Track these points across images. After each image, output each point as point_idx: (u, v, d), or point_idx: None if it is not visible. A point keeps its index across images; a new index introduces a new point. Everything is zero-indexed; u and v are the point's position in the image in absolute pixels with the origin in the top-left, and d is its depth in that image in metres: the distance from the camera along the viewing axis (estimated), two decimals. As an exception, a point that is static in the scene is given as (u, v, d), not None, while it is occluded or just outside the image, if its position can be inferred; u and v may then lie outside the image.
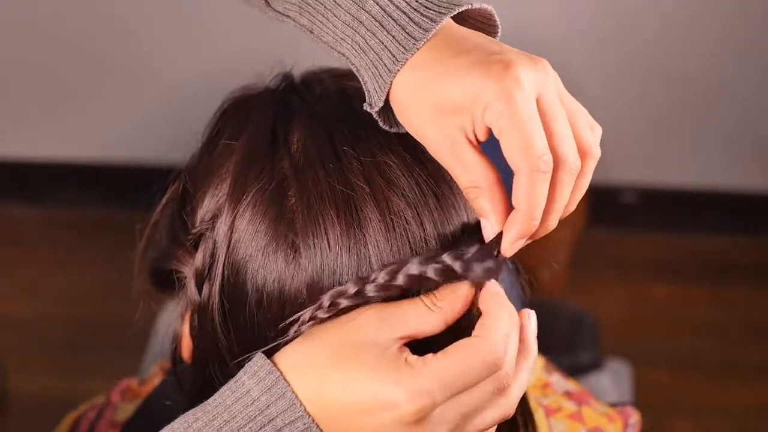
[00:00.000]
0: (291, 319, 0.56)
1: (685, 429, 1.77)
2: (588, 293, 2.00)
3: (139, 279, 0.68)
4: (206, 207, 0.62)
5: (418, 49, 0.54)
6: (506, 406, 0.54)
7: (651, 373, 1.82)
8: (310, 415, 0.52)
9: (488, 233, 0.55)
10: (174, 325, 0.68)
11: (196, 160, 0.65)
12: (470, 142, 0.54)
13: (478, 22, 0.60)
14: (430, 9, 0.56)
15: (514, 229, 0.54)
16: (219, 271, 0.60)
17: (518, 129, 0.51)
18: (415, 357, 0.52)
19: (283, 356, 0.54)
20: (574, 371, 1.28)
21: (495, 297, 0.55)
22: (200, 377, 0.64)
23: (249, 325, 0.59)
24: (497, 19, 0.59)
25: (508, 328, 0.54)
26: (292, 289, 0.57)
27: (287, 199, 0.58)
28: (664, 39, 2.04)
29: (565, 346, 1.40)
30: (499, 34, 0.60)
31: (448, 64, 0.54)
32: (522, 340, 0.55)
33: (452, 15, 0.55)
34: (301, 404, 0.52)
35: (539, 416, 0.79)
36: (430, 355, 0.52)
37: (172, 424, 0.55)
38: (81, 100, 2.21)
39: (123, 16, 2.08)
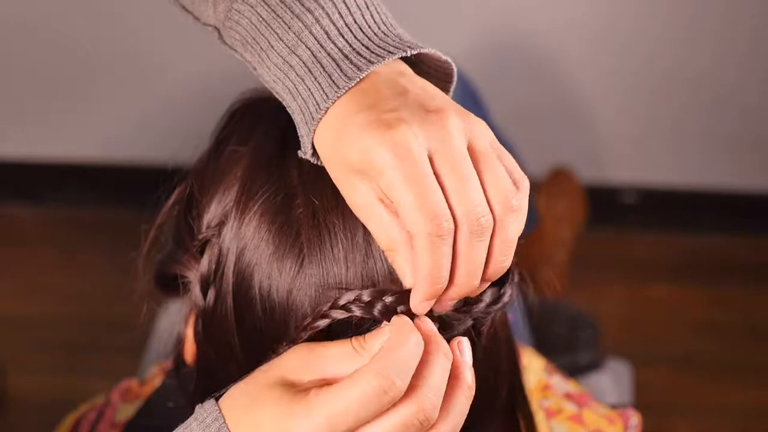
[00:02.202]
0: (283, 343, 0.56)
1: (685, 429, 1.77)
2: (588, 293, 2.00)
3: (142, 280, 0.68)
4: (213, 213, 0.61)
5: (339, 96, 0.53)
6: None
7: (651, 373, 1.82)
8: None
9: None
10: (178, 328, 0.68)
11: (203, 163, 0.65)
12: (383, 201, 0.52)
13: (433, 69, 0.58)
14: (361, 56, 0.54)
15: (419, 291, 0.52)
16: (225, 277, 0.60)
17: (405, 193, 0.49)
18: (315, 391, 0.50)
19: (227, 396, 0.53)
20: (574, 371, 1.28)
21: (400, 326, 0.52)
22: (203, 381, 0.64)
23: (253, 332, 0.59)
24: (452, 65, 0.58)
25: (406, 355, 0.51)
26: (297, 298, 0.57)
27: (294, 209, 0.58)
28: (665, 39, 2.04)
29: (565, 346, 1.40)
30: (455, 79, 0.59)
31: (351, 122, 0.52)
32: (453, 372, 0.53)
33: (382, 63, 0.54)
34: None
35: (540, 418, 0.79)
36: (324, 389, 0.50)
37: None
38: (81, 100, 2.20)
39: (123, 15, 2.08)
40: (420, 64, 0.58)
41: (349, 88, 0.53)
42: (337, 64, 0.54)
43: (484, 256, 0.52)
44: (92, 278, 2.02)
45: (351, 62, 0.54)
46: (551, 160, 2.11)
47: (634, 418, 0.83)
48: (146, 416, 0.75)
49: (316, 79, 0.54)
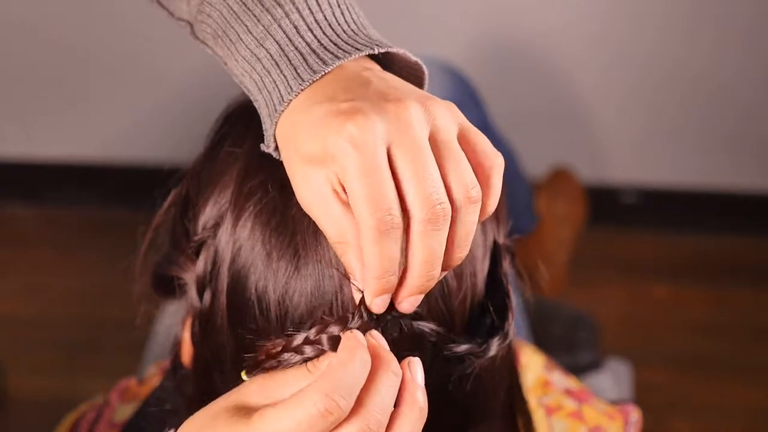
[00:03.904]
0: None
1: (685, 429, 1.77)
2: (588, 293, 2.00)
3: (139, 281, 0.68)
4: (208, 214, 0.61)
5: (302, 89, 0.53)
6: None
7: (651, 373, 1.82)
8: None
9: (358, 292, 0.53)
10: (175, 330, 0.68)
11: (199, 165, 0.65)
12: (337, 194, 0.51)
13: (405, 72, 0.58)
14: (328, 51, 0.54)
15: (368, 286, 0.51)
16: (220, 278, 0.60)
17: (357, 184, 0.49)
18: (261, 411, 0.49)
19: (186, 423, 0.52)
20: (573, 371, 1.28)
21: (347, 344, 0.51)
22: (201, 383, 0.64)
23: (249, 333, 0.59)
24: (423, 66, 0.58)
25: (351, 374, 0.49)
26: (293, 299, 0.57)
27: (289, 210, 0.57)
28: (665, 39, 2.04)
29: (565, 346, 1.40)
30: (426, 81, 0.58)
31: (309, 112, 0.52)
32: (403, 391, 0.51)
33: (349, 59, 0.53)
34: None
35: (540, 416, 0.79)
36: (269, 408, 0.49)
37: None
38: (81, 100, 2.21)
39: (123, 15, 2.08)
40: (392, 66, 0.58)
41: (314, 81, 0.53)
42: (304, 58, 0.54)
43: (441, 247, 0.50)
44: (92, 278, 2.02)
45: (318, 56, 0.54)
46: (551, 160, 2.11)
47: (634, 414, 0.83)
48: (144, 416, 0.75)
49: (281, 72, 0.54)
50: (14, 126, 2.27)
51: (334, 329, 0.53)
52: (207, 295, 0.61)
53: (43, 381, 1.85)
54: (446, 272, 0.53)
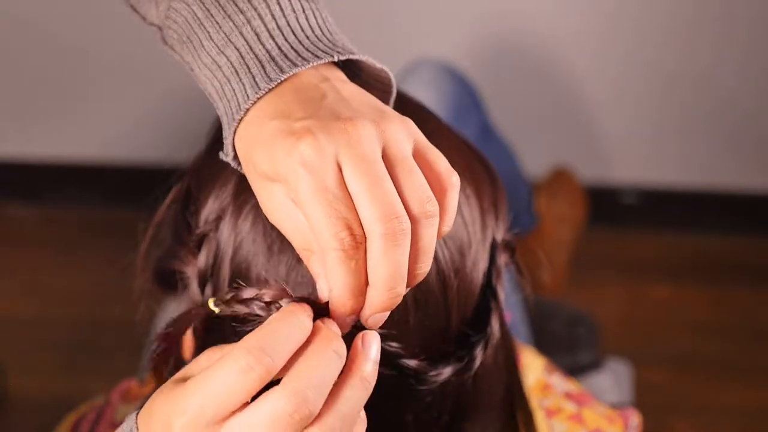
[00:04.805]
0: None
1: (685, 429, 1.77)
2: (588, 293, 2.00)
3: (141, 278, 0.68)
4: (210, 208, 0.62)
5: (258, 98, 0.52)
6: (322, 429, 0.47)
7: (651, 373, 1.82)
8: None
9: (323, 295, 0.52)
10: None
11: (200, 160, 0.65)
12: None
13: (373, 79, 0.57)
14: (287, 58, 0.53)
15: (336, 308, 0.50)
16: (222, 272, 0.60)
17: (311, 208, 0.49)
18: (196, 376, 0.48)
19: (148, 402, 0.51)
20: (573, 371, 1.28)
21: (287, 308, 0.50)
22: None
23: (252, 326, 0.59)
24: (389, 74, 0.57)
25: (281, 333, 0.48)
26: (296, 291, 0.57)
27: None
28: (666, 38, 2.04)
29: (565, 346, 1.40)
30: (393, 87, 0.58)
31: (263, 128, 0.51)
32: (348, 362, 0.49)
33: (307, 67, 0.53)
34: None
35: (540, 418, 0.79)
36: (203, 372, 0.48)
37: None
38: (81, 100, 2.21)
39: (123, 16, 2.08)
40: (360, 74, 0.58)
41: (270, 89, 0.52)
42: (263, 66, 0.53)
43: (404, 262, 0.49)
44: (92, 278, 2.02)
45: (276, 64, 0.53)
46: (551, 160, 2.11)
47: (635, 418, 0.83)
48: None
49: (240, 80, 0.54)
50: (14, 126, 2.27)
51: (285, 301, 0.52)
52: (209, 289, 0.61)
53: (43, 381, 1.85)
54: (410, 288, 0.52)
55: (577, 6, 2.03)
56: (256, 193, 0.53)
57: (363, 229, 0.49)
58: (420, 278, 0.51)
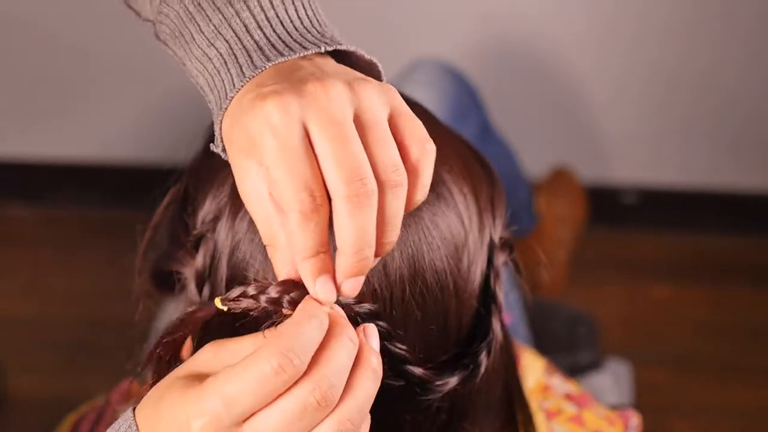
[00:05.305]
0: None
1: (685, 429, 1.77)
2: (588, 293, 2.00)
3: (139, 279, 0.68)
4: (207, 208, 0.62)
5: (243, 85, 0.52)
6: (337, 421, 0.48)
7: (651, 373, 1.82)
8: None
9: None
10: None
11: (197, 161, 0.65)
12: (272, 195, 0.50)
13: (363, 69, 0.57)
14: (274, 48, 0.53)
15: (303, 272, 0.50)
16: (219, 272, 0.60)
17: (276, 168, 0.48)
18: (213, 376, 0.48)
19: (144, 398, 0.51)
20: (573, 371, 1.28)
21: (305, 306, 0.50)
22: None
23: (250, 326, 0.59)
24: (378, 66, 0.57)
25: (306, 334, 0.48)
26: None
27: None
28: (667, 38, 2.04)
29: (565, 346, 1.40)
30: (383, 79, 0.57)
31: (241, 103, 0.51)
32: (358, 354, 0.50)
33: (294, 56, 0.52)
34: None
35: (540, 419, 0.79)
36: (221, 372, 0.48)
37: None
38: (81, 100, 2.20)
39: (123, 15, 2.08)
40: (353, 67, 0.57)
41: (254, 77, 0.52)
42: (250, 57, 0.53)
43: (369, 226, 0.49)
44: (92, 278, 2.02)
45: (263, 53, 0.53)
46: (551, 160, 2.11)
47: (634, 419, 0.83)
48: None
49: (229, 70, 0.54)
50: (14, 126, 2.27)
51: (273, 290, 0.52)
52: (206, 290, 0.61)
53: (43, 381, 1.85)
54: (380, 258, 0.51)
55: (578, 6, 2.03)
56: (236, 177, 0.53)
57: (325, 191, 0.48)
58: (388, 248, 0.51)
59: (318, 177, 0.48)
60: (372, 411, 0.51)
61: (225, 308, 0.54)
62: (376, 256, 0.50)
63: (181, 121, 1.86)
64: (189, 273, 0.62)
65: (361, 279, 0.51)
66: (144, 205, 0.68)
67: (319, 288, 0.50)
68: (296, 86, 0.49)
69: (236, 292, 0.54)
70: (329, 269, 0.50)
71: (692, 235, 2.18)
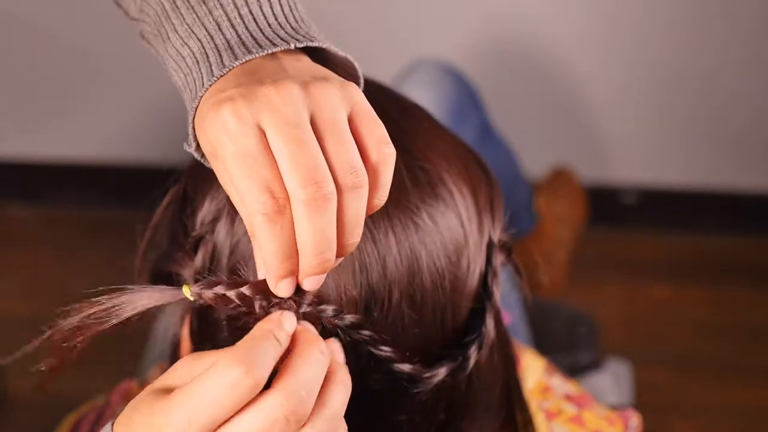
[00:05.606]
0: None
1: (685, 429, 1.77)
2: (588, 293, 2.00)
3: (139, 280, 0.68)
4: (206, 210, 0.61)
5: (211, 84, 0.52)
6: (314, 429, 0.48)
7: (651, 373, 1.82)
8: None
9: (260, 272, 0.53)
10: (174, 328, 0.68)
11: (196, 162, 0.65)
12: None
13: (342, 70, 0.56)
14: (244, 46, 0.53)
15: (268, 272, 0.50)
16: (218, 273, 0.60)
17: (233, 174, 0.48)
18: (180, 387, 0.48)
19: (122, 412, 0.51)
20: (573, 371, 1.28)
21: (271, 317, 0.50)
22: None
23: (249, 328, 0.59)
24: (354, 63, 0.56)
25: (268, 343, 0.48)
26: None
27: None
28: (668, 39, 2.04)
29: (565, 346, 1.40)
30: (359, 75, 0.57)
31: (201, 109, 0.51)
32: (329, 368, 0.50)
33: (262, 54, 0.52)
34: None
35: (540, 420, 0.79)
36: (187, 384, 0.47)
37: None
38: (81, 100, 2.21)
39: (123, 15, 2.08)
40: (327, 64, 0.57)
41: (221, 76, 0.52)
42: (221, 55, 0.53)
43: (329, 229, 0.48)
44: (92, 278, 2.01)
45: (232, 52, 0.53)
46: (551, 160, 2.11)
47: (634, 419, 0.83)
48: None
49: (200, 70, 0.53)
50: (14, 126, 2.27)
51: (246, 289, 0.53)
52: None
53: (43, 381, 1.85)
54: (341, 259, 0.51)
55: (578, 6, 2.03)
56: (218, 176, 0.53)
57: (287, 193, 0.48)
58: (350, 249, 0.50)
59: (279, 178, 0.48)
60: (366, 412, 0.51)
61: (192, 298, 0.54)
62: (338, 256, 0.50)
63: (180, 122, 1.86)
64: (188, 274, 0.62)
65: (323, 276, 0.51)
66: (144, 205, 0.68)
67: (280, 287, 0.51)
68: (252, 89, 0.49)
69: (207, 283, 0.54)
70: (295, 271, 0.50)
71: (692, 235, 2.18)
